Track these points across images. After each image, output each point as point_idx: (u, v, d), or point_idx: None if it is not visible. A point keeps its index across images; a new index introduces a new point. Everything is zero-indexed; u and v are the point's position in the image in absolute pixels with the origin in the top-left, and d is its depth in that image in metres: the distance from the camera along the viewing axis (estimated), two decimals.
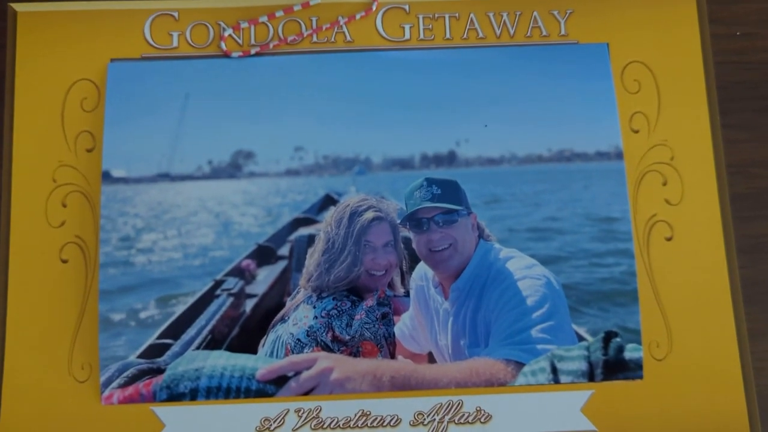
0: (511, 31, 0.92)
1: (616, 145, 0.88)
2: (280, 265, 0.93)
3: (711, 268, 0.87)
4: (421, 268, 0.87)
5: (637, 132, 0.90)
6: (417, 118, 0.88)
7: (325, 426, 0.83)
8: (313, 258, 0.84)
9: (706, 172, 0.89)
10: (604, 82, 0.90)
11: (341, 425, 0.83)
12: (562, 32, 0.92)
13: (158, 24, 0.92)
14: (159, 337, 0.84)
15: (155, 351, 0.83)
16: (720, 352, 0.85)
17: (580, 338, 0.82)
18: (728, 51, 0.94)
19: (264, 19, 0.92)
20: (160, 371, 0.81)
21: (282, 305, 0.86)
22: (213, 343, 0.85)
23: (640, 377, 0.82)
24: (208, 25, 0.92)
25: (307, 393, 0.77)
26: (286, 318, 0.84)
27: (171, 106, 0.89)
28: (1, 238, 0.87)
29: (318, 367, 0.77)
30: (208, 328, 0.86)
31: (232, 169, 0.88)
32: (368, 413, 0.83)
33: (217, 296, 0.89)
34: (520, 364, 0.79)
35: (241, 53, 0.91)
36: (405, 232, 0.85)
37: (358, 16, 0.92)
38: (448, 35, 0.92)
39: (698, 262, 0.87)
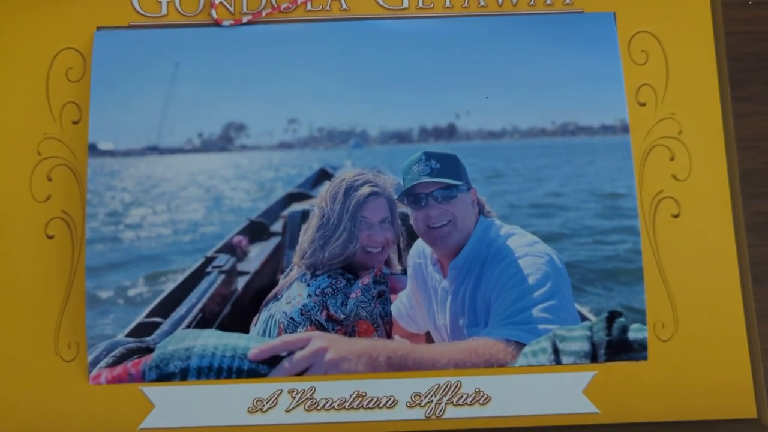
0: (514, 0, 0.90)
1: (622, 119, 0.86)
2: (273, 242, 0.93)
3: (719, 246, 0.85)
4: (419, 245, 0.86)
5: (643, 105, 0.88)
6: (415, 89, 0.86)
7: (319, 407, 0.81)
8: (307, 234, 0.84)
9: (715, 147, 0.87)
10: (610, 52, 0.88)
11: (336, 406, 0.81)
12: (567, 0, 0.89)
13: None
14: (148, 316, 0.84)
15: (144, 329, 0.82)
16: (727, 333, 0.84)
17: (583, 318, 0.81)
18: (740, 21, 0.92)
19: None
20: (149, 350, 0.80)
21: (275, 283, 0.85)
22: (204, 321, 0.85)
23: (645, 358, 0.81)
24: None
25: (300, 373, 0.76)
26: (279, 296, 0.83)
27: (160, 77, 0.86)
28: None
29: (312, 346, 0.76)
30: (199, 306, 0.85)
31: (223, 142, 0.87)
32: (364, 394, 0.82)
33: (208, 273, 0.89)
34: (520, 345, 0.77)
35: (232, 22, 0.88)
36: (402, 208, 0.84)
37: None
38: (448, 3, 0.90)
39: (706, 240, 0.85)
